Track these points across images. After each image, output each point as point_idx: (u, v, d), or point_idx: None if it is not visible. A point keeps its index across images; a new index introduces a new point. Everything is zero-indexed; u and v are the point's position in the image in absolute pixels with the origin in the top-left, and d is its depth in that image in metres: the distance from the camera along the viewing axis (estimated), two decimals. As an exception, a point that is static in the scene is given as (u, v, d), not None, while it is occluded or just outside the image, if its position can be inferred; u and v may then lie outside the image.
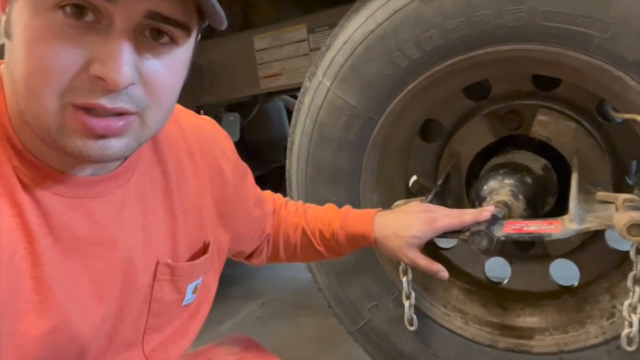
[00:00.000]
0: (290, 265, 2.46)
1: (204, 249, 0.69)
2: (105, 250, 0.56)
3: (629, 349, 0.89)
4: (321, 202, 1.16)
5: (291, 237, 0.90)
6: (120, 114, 0.48)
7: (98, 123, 0.47)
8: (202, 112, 2.21)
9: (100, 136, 0.48)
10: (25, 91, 0.46)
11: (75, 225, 0.54)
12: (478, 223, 0.86)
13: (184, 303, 0.67)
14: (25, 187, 0.50)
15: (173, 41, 0.50)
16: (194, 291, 0.68)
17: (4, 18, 0.48)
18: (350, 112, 1.09)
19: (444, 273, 0.85)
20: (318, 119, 1.13)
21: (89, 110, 0.47)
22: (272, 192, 0.95)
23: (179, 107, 0.72)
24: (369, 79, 1.05)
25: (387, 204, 1.14)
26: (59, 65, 0.45)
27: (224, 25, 0.52)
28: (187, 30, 0.50)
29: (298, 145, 1.17)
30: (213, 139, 0.75)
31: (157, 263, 0.62)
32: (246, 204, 0.81)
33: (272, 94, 2.47)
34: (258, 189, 0.88)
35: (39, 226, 0.51)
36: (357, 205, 1.15)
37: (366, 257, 1.16)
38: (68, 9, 0.44)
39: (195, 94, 2.03)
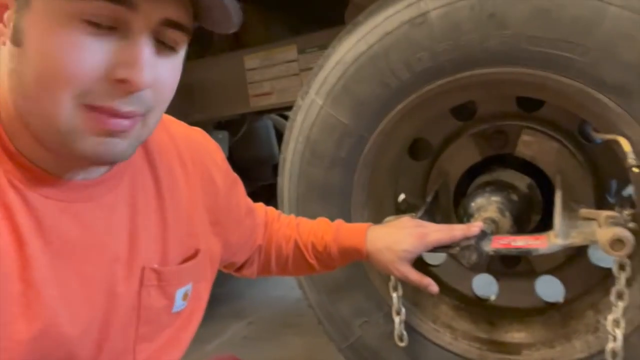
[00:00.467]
0: (277, 284, 2.46)
1: (194, 255, 0.69)
2: (94, 254, 0.56)
3: (613, 362, 0.91)
4: (313, 218, 1.18)
5: (283, 249, 0.90)
6: (129, 116, 0.50)
7: (110, 120, 0.49)
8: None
9: (110, 134, 0.50)
10: (38, 94, 0.48)
11: (65, 228, 0.54)
12: (467, 238, 0.88)
13: (175, 310, 0.66)
14: (16, 189, 0.51)
15: (177, 45, 0.53)
16: (184, 297, 0.67)
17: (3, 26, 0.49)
18: (342, 130, 1.11)
19: (433, 287, 0.87)
20: (310, 136, 1.15)
21: (103, 110, 0.49)
22: (264, 205, 0.96)
23: (170, 117, 0.73)
24: (361, 98, 1.08)
25: (377, 221, 1.15)
26: (79, 71, 0.47)
27: (231, 28, 0.54)
28: (189, 35, 0.53)
29: (290, 162, 1.19)
30: (204, 148, 0.76)
31: (143, 268, 0.62)
32: (237, 213, 0.81)
33: (261, 113, 2.50)
34: (249, 199, 0.89)
35: (29, 229, 0.51)
36: (348, 221, 1.16)
37: (357, 273, 1.18)
38: (93, 18, 0.47)
39: (185, 111, 2.04)
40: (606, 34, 0.86)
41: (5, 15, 0.49)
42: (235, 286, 2.56)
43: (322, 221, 0.94)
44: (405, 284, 1.11)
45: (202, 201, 0.73)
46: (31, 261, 0.50)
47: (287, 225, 0.92)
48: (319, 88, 1.13)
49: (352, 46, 1.08)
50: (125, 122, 0.50)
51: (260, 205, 0.95)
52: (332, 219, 1.16)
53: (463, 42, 0.97)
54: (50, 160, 0.53)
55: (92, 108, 0.48)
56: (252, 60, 1.88)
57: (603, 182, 1.14)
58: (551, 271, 1.22)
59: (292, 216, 0.97)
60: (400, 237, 0.86)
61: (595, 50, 0.87)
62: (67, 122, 0.48)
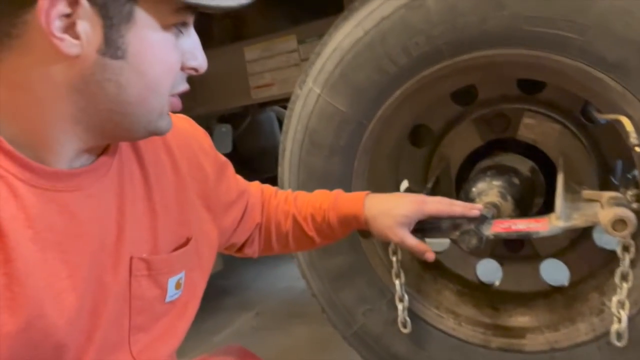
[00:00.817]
0: (283, 275, 2.47)
1: (185, 244, 0.69)
2: (80, 243, 0.56)
3: (618, 344, 0.91)
4: (314, 207, 1.17)
5: (282, 225, 0.90)
6: None
7: (180, 101, 0.61)
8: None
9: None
10: (147, 96, 0.55)
11: (52, 218, 0.54)
12: (468, 221, 0.87)
13: (168, 299, 0.66)
14: (2, 178, 0.50)
15: None
16: (177, 286, 0.67)
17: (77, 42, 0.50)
18: (341, 118, 1.11)
19: (430, 254, 0.85)
20: (309, 125, 1.15)
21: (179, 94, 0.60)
22: (260, 183, 0.96)
23: None
24: (359, 85, 1.08)
25: (378, 208, 1.15)
26: (176, 68, 0.57)
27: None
28: None
29: (290, 152, 1.19)
30: (190, 135, 0.76)
31: (131, 258, 0.62)
32: (228, 197, 0.82)
33: (263, 105, 2.49)
34: (241, 180, 0.89)
35: (14, 218, 0.50)
36: (349, 209, 1.16)
37: (359, 260, 1.18)
38: (180, 25, 0.56)
39: (187, 105, 2.03)
40: (603, 11, 0.84)
41: (79, 28, 0.49)
42: (242, 278, 2.57)
43: (319, 192, 0.93)
44: (406, 270, 1.11)
45: (193, 188, 0.73)
46: (13, 253, 0.50)
47: (285, 201, 0.92)
48: (316, 76, 1.12)
49: (348, 33, 1.07)
50: None
51: (255, 184, 0.94)
52: (333, 208, 1.17)
53: (460, 24, 0.96)
54: (38, 149, 0.53)
55: (173, 95, 0.59)
56: (252, 51, 1.88)
57: (607, 164, 1.13)
58: (555, 255, 1.21)
59: (289, 191, 0.96)
60: (398, 203, 0.85)
61: (593, 28, 0.86)
62: (161, 112, 0.58)
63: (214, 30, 2.10)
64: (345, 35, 1.07)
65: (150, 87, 0.55)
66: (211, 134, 2.41)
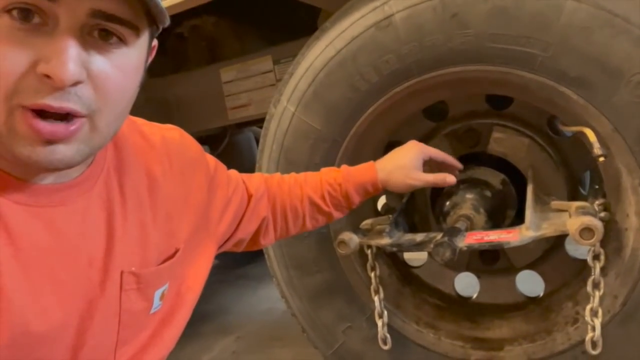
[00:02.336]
0: (264, 297, 2.44)
1: (173, 255, 0.68)
2: (67, 259, 0.56)
3: (593, 352, 0.92)
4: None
5: (299, 209, 0.93)
6: (68, 114, 0.48)
7: (45, 127, 0.47)
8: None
9: (48, 142, 0.48)
10: None
11: (36, 234, 0.53)
12: (442, 234, 0.88)
13: (152, 311, 0.65)
14: None
15: (122, 41, 0.51)
16: (161, 297, 0.67)
17: None
18: (315, 136, 1.12)
19: (451, 178, 0.96)
20: (284, 143, 1.15)
21: (38, 113, 0.47)
22: (262, 174, 0.98)
23: (142, 120, 0.73)
24: (332, 103, 1.09)
25: (355, 224, 1.16)
26: (5, 67, 0.45)
27: (167, 23, 0.54)
28: (135, 29, 0.51)
29: (266, 171, 1.19)
30: (181, 144, 0.75)
31: (122, 273, 0.61)
32: (225, 198, 0.81)
33: (241, 126, 2.50)
34: (237, 177, 0.89)
35: None
36: (325, 227, 1.17)
37: (337, 278, 1.17)
38: (14, 12, 0.45)
39: (164, 127, 2.04)
40: (564, 28, 0.88)
41: None
42: (222, 302, 2.53)
43: (327, 170, 0.99)
44: (385, 286, 1.12)
45: (184, 197, 0.72)
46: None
47: (295, 185, 0.95)
48: (290, 95, 1.14)
49: (320, 52, 1.09)
50: (65, 128, 0.48)
51: (257, 176, 0.96)
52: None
53: (428, 43, 0.99)
54: (14, 165, 0.52)
55: (26, 109, 0.47)
56: (228, 73, 1.89)
57: (575, 175, 1.16)
58: (530, 266, 1.22)
59: (293, 174, 1.00)
60: (404, 154, 0.97)
61: (555, 45, 0.89)
62: (5, 125, 0.47)
63: (190, 52, 2.11)
64: (317, 54, 1.09)
65: None
66: (189, 156, 2.42)
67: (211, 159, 0.82)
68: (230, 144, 2.59)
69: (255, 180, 0.93)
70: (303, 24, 1.72)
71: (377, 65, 1.03)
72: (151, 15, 0.52)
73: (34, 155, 0.48)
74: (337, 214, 0.97)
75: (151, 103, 2.06)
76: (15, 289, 0.50)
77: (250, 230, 0.89)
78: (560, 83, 0.92)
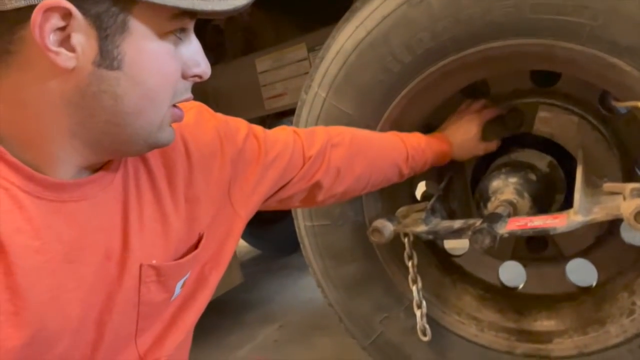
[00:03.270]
0: (307, 286, 2.44)
1: (196, 245, 0.68)
2: (87, 254, 0.56)
3: (652, 346, 0.85)
4: (325, 213, 1.15)
5: (378, 171, 0.97)
6: None
7: (181, 113, 0.59)
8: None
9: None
10: (143, 108, 0.54)
11: (58, 229, 0.53)
12: (481, 220, 0.83)
13: (172, 299, 0.66)
14: (6, 190, 0.50)
15: None
16: (182, 286, 0.67)
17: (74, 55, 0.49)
18: (347, 121, 1.08)
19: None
20: (316, 130, 1.13)
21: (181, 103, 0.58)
22: (327, 130, 0.92)
23: None
24: (364, 86, 1.05)
25: (391, 212, 1.12)
26: (173, 76, 0.55)
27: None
28: None
29: (298, 159, 1.17)
30: (196, 126, 0.72)
31: (141, 266, 0.61)
32: (261, 169, 0.77)
33: (280, 116, 2.49)
34: (287, 138, 0.84)
35: (19, 231, 0.50)
36: (360, 215, 1.13)
37: (374, 267, 1.14)
38: (178, 32, 0.54)
39: (203, 119, 2.06)
40: (615, -7, 0.80)
41: (74, 40, 0.48)
42: (265, 291, 2.55)
43: (403, 135, 1.03)
44: (424, 275, 1.07)
45: (207, 180, 0.70)
46: (13, 267, 0.49)
47: (375, 145, 0.98)
48: (321, 80, 1.11)
49: (351, 33, 1.05)
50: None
51: (320, 133, 0.90)
52: (345, 215, 1.14)
53: (464, 17, 0.93)
54: (40, 164, 0.52)
55: (175, 105, 0.57)
56: (263, 62, 1.88)
57: (630, 155, 1.07)
58: (581, 254, 1.14)
59: (365, 131, 1.03)
60: (466, 128, 1.11)
61: (605, 12, 0.82)
62: (162, 123, 0.56)
63: (227, 44, 2.12)
64: (347, 36, 1.06)
65: (147, 97, 0.53)
66: (228, 147, 2.44)
67: (242, 128, 0.78)
68: (270, 134, 2.59)
69: (317, 139, 0.87)
70: (338, 10, 1.68)
71: (410, 45, 0.99)
72: None
73: (170, 137, 0.59)
74: (407, 177, 1.04)
75: (190, 96, 2.09)
76: (33, 286, 0.50)
77: (297, 190, 0.85)
78: (611, 54, 0.84)
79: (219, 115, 0.78)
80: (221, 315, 2.30)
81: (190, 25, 0.55)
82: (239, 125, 0.79)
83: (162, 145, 0.59)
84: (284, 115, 2.56)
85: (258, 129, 0.82)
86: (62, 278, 0.53)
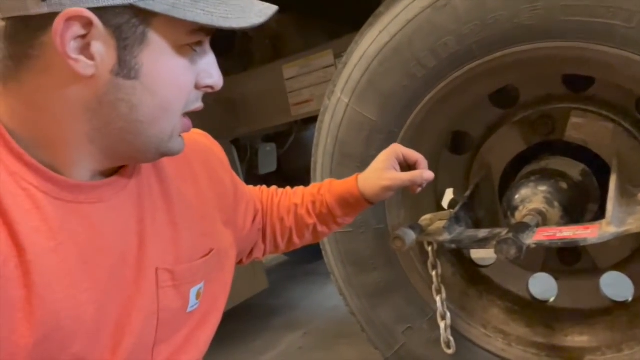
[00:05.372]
0: (332, 294, 2.42)
1: (207, 254, 0.69)
2: (102, 256, 0.56)
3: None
4: (346, 221, 1.13)
5: (286, 221, 0.88)
6: None
7: (190, 123, 0.60)
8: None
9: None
10: (160, 116, 0.55)
11: (74, 230, 0.54)
12: (508, 229, 0.80)
13: (189, 309, 0.66)
14: (25, 191, 0.51)
15: None
16: (197, 296, 0.67)
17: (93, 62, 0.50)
18: (371, 127, 1.07)
19: (429, 174, 0.81)
20: (339, 136, 1.12)
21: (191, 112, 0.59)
22: (259, 186, 0.94)
23: None
24: (387, 92, 1.04)
25: (415, 219, 1.10)
26: (190, 87, 0.56)
27: None
28: None
29: (321, 165, 1.16)
30: (209, 149, 0.76)
31: (157, 269, 0.61)
32: (244, 207, 0.82)
33: (307, 122, 2.50)
34: (248, 190, 0.88)
35: (37, 230, 0.51)
36: (383, 221, 1.11)
37: (397, 276, 1.12)
38: (195, 45, 0.55)
39: (230, 125, 2.08)
40: (651, -7, 0.76)
41: (93, 49, 0.50)
42: (290, 297, 2.55)
43: (316, 184, 0.92)
44: (448, 286, 1.04)
45: (213, 202, 0.73)
46: (31, 266, 0.50)
47: (286, 197, 0.91)
48: (344, 86, 1.10)
49: (374, 39, 1.04)
50: None
51: (253, 188, 0.93)
52: (366, 222, 1.12)
53: (491, 20, 0.90)
54: (59, 162, 0.54)
55: (185, 114, 0.58)
56: (290, 69, 1.89)
57: (670, 164, 1.01)
58: (617, 267, 1.09)
59: (288, 188, 0.94)
60: (377, 158, 0.85)
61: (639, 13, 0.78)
62: (172, 132, 0.57)
63: (254, 50, 2.14)
64: (370, 41, 1.04)
65: (162, 106, 0.54)
66: (256, 153, 2.45)
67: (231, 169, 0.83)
68: (297, 141, 2.60)
69: (254, 190, 0.91)
70: (365, 16, 1.67)
71: (435, 49, 0.96)
72: None
73: (180, 146, 0.60)
74: (322, 228, 0.89)
75: (218, 103, 2.11)
76: (49, 285, 0.51)
77: (253, 239, 0.87)
78: (648, 57, 0.80)
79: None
80: (246, 320, 2.31)
81: (207, 39, 0.56)
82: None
83: (173, 154, 0.60)
84: (310, 122, 2.57)
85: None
86: (77, 278, 0.54)
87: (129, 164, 0.61)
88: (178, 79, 0.55)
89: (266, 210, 0.90)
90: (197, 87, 0.57)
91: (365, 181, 0.84)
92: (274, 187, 0.94)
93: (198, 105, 0.59)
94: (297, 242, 0.91)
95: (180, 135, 0.59)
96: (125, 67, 0.51)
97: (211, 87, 0.58)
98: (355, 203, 0.85)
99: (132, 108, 0.53)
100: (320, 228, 0.88)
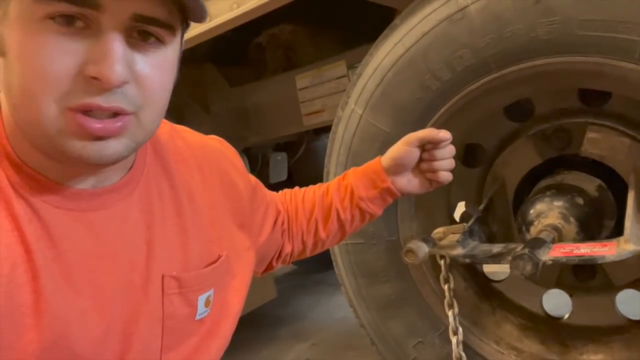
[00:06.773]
0: (340, 305, 2.41)
1: (215, 261, 0.67)
2: (107, 263, 0.56)
3: None
4: (359, 231, 1.12)
5: (310, 212, 0.87)
6: (116, 113, 0.49)
7: (95, 124, 0.48)
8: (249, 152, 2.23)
9: (99, 137, 0.49)
10: (23, 101, 0.48)
11: (76, 238, 0.54)
12: (522, 245, 0.79)
13: (198, 317, 0.64)
14: (24, 200, 0.51)
15: (160, 41, 0.52)
16: (206, 304, 0.65)
17: None
18: (384, 139, 1.07)
19: (445, 133, 0.81)
20: (352, 147, 1.12)
21: (86, 112, 0.48)
22: (283, 190, 0.93)
23: (186, 128, 0.73)
24: (401, 103, 1.03)
25: (427, 232, 1.09)
26: (55, 71, 0.47)
27: (205, 19, 0.54)
28: (171, 29, 0.52)
29: (334, 175, 1.16)
30: (221, 154, 0.75)
31: (163, 276, 0.60)
32: (262, 211, 0.80)
33: (318, 132, 2.50)
34: (268, 192, 0.87)
35: (38, 239, 0.51)
36: (395, 234, 1.11)
37: (408, 289, 1.11)
38: (58, 18, 0.46)
39: (242, 134, 2.09)
40: (672, 8, 0.75)
41: None
42: (298, 307, 2.53)
43: (333, 181, 0.91)
44: (461, 300, 1.03)
45: (225, 206, 0.71)
46: (40, 272, 0.50)
47: (309, 190, 0.90)
48: (358, 97, 1.10)
49: (389, 51, 1.04)
50: (114, 124, 0.49)
51: (274, 193, 0.91)
52: (379, 233, 1.12)
53: (507, 34, 0.90)
54: (55, 169, 0.53)
55: (75, 110, 0.48)
56: (303, 79, 1.90)
57: (690, 180, 0.99)
58: (633, 285, 1.07)
59: (311, 185, 0.93)
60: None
61: (660, 28, 0.77)
62: (52, 126, 0.48)
63: (268, 61, 2.15)
64: (385, 53, 1.04)
65: (25, 89, 0.47)
66: (267, 162, 2.46)
67: (252, 176, 0.82)
68: (308, 150, 2.60)
69: (274, 196, 0.90)
70: (377, 27, 1.68)
71: (450, 62, 0.96)
72: (185, 14, 0.54)
73: (85, 152, 0.49)
74: (344, 215, 0.87)
75: (231, 112, 2.12)
76: (55, 292, 0.51)
77: (274, 249, 0.86)
78: (667, 72, 0.79)
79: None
80: (253, 330, 2.29)
81: (69, 10, 0.46)
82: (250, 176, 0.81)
83: (81, 159, 0.49)
84: (322, 132, 2.57)
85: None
86: (80, 287, 0.54)
87: (137, 161, 0.60)
88: (38, 59, 0.46)
89: (289, 209, 0.89)
90: (83, 75, 0.47)
91: (386, 154, 0.84)
92: (286, 190, 0.94)
93: (89, 99, 0.47)
94: (324, 236, 0.88)
95: (78, 138, 0.48)
96: (1, 43, 0.48)
97: (94, 78, 0.47)
98: (380, 182, 0.84)
99: (9, 90, 0.49)
100: (343, 215, 0.86)
